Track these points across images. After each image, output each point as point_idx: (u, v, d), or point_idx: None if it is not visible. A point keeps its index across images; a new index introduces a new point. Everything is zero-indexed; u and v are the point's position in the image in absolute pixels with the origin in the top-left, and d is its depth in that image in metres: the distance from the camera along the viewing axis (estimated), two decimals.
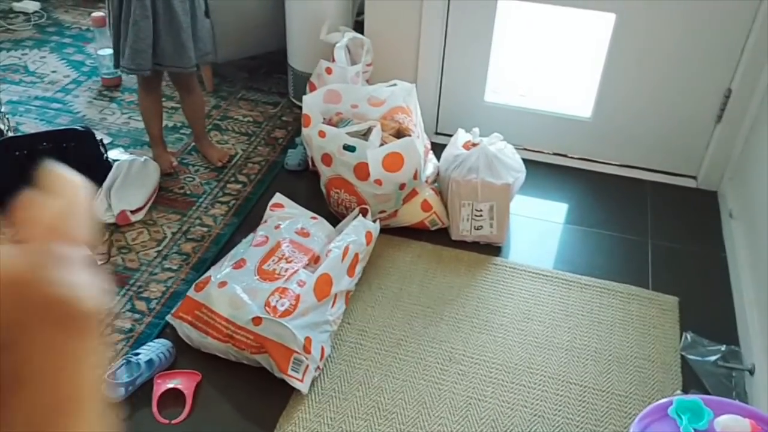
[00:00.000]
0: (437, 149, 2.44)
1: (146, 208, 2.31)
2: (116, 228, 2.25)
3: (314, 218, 2.05)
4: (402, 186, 2.11)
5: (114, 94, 2.97)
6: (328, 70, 2.33)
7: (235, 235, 2.23)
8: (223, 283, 1.78)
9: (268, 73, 3.14)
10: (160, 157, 2.47)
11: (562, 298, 2.07)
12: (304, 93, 2.79)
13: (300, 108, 2.91)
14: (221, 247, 2.19)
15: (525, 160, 2.33)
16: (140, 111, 2.47)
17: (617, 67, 2.43)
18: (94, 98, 2.94)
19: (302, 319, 1.73)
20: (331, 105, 2.23)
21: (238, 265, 1.85)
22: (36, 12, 3.56)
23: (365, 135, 2.15)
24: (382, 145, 2.11)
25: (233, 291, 1.75)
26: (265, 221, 2.04)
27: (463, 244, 2.24)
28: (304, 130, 2.19)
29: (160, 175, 2.42)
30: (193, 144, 2.64)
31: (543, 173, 2.57)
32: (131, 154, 2.56)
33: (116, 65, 2.26)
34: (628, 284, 2.12)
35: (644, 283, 2.14)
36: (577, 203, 2.48)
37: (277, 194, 2.12)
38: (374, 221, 2.05)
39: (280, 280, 1.78)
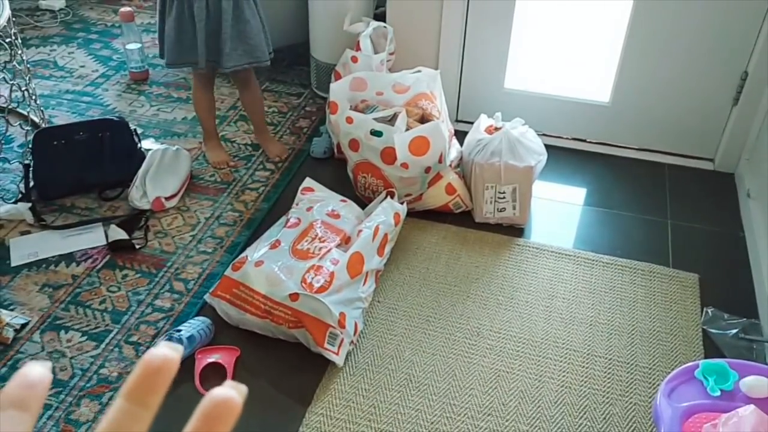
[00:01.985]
0: (458, 136, 2.50)
1: (180, 194, 2.39)
2: (152, 213, 2.33)
3: (343, 201, 2.12)
4: (428, 169, 2.18)
5: (142, 88, 3.05)
6: (354, 59, 2.40)
7: (266, 220, 2.31)
8: (259, 263, 1.86)
9: (290, 65, 3.21)
10: (214, 150, 2.55)
11: (585, 276, 2.13)
12: (328, 83, 2.87)
13: (323, 98, 2.99)
14: (253, 230, 2.27)
15: (545, 146, 2.39)
16: (193, 105, 2.55)
17: (635, 51, 2.49)
18: (123, 91, 3.02)
19: (336, 296, 1.80)
20: (357, 92, 2.30)
21: (274, 245, 1.92)
22: (62, 9, 3.65)
23: (391, 121, 2.22)
24: (407, 129, 2.17)
25: (270, 269, 1.83)
26: (297, 204, 2.11)
27: (486, 226, 2.31)
28: (331, 117, 2.26)
29: (191, 165, 2.51)
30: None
31: (563, 158, 2.63)
32: (163, 144, 2.64)
33: (163, 57, 2.32)
34: (649, 263, 2.18)
35: (665, 261, 2.20)
36: (597, 186, 2.54)
37: (308, 178, 2.20)
38: (401, 203, 2.12)
39: (315, 258, 1.85)
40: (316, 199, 2.09)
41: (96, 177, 2.39)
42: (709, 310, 2.00)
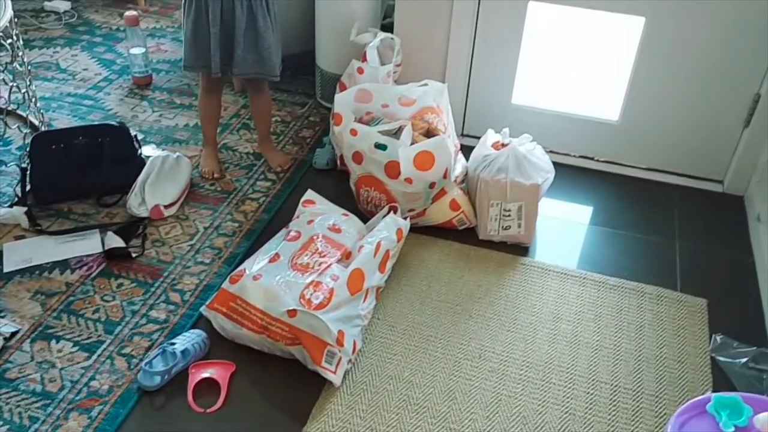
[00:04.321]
0: (464, 151, 2.46)
1: (179, 203, 2.35)
2: (150, 222, 2.28)
3: (345, 215, 2.08)
4: (432, 185, 2.13)
5: (145, 93, 3.01)
6: (360, 70, 2.36)
7: (266, 231, 2.26)
8: (258, 276, 1.81)
9: (294, 75, 3.17)
10: (207, 158, 2.52)
11: (591, 298, 2.08)
12: (332, 93, 2.83)
13: (327, 109, 2.95)
14: (252, 242, 2.22)
15: (552, 163, 2.34)
16: (199, 110, 2.52)
17: (646, 70, 2.44)
18: (125, 96, 2.99)
19: (335, 313, 1.75)
20: (362, 104, 2.26)
21: (273, 259, 1.87)
22: (67, 11, 3.62)
23: (396, 134, 2.18)
24: (413, 143, 2.13)
25: (268, 283, 1.78)
26: (297, 217, 2.07)
27: (490, 244, 2.26)
28: (335, 128, 2.22)
29: (191, 173, 2.46)
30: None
31: (569, 176, 2.59)
32: (164, 150, 2.60)
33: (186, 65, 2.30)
34: (657, 286, 2.13)
35: (672, 285, 2.15)
36: (604, 206, 2.49)
37: (309, 191, 2.15)
38: (404, 219, 2.08)
39: (314, 273, 1.80)
40: (317, 213, 2.04)
41: (94, 182, 2.35)
42: (718, 337, 1.95)
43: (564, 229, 2.38)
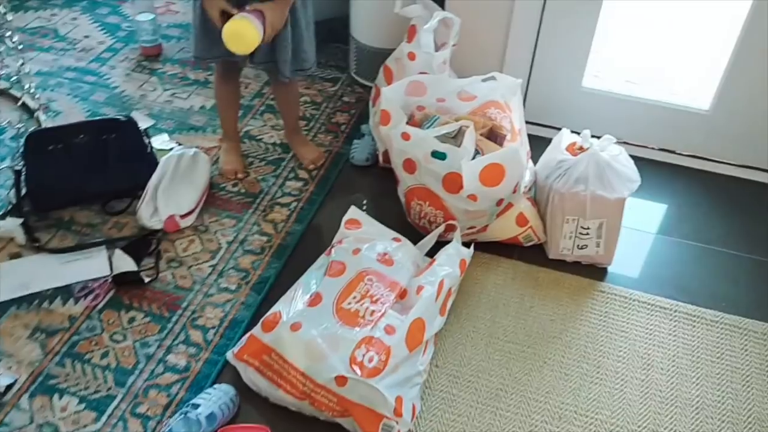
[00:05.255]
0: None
1: (197, 210, 2.02)
2: (164, 235, 1.96)
3: (397, 240, 1.74)
4: (499, 202, 1.79)
5: (154, 66, 2.64)
6: (411, 55, 1.98)
7: (299, 247, 1.94)
8: (296, 325, 1.50)
9: (324, 41, 2.77)
10: (227, 154, 2.18)
11: (686, 338, 1.76)
12: (369, 69, 2.46)
13: (363, 87, 2.58)
14: (284, 261, 1.90)
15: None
16: (216, 100, 2.17)
17: (748, 55, 2.04)
18: (132, 70, 2.62)
19: (393, 377, 1.45)
20: (413, 98, 1.90)
21: (313, 301, 1.56)
22: None
23: (455, 137, 1.82)
24: (476, 150, 1.78)
25: (311, 337, 1.47)
26: (340, 242, 1.74)
27: (562, 264, 1.93)
28: (382, 129, 1.86)
29: (210, 172, 2.13)
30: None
31: (649, 172, 2.21)
32: (177, 143, 2.25)
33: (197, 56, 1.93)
34: (762, 321, 1.81)
35: None
36: (690, 211, 2.14)
37: (353, 208, 1.81)
38: (468, 246, 1.74)
39: (367, 327, 1.49)
40: (363, 238, 1.71)
41: (99, 186, 2.02)
42: None
43: (645, 242, 2.04)
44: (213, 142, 2.29)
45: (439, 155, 1.75)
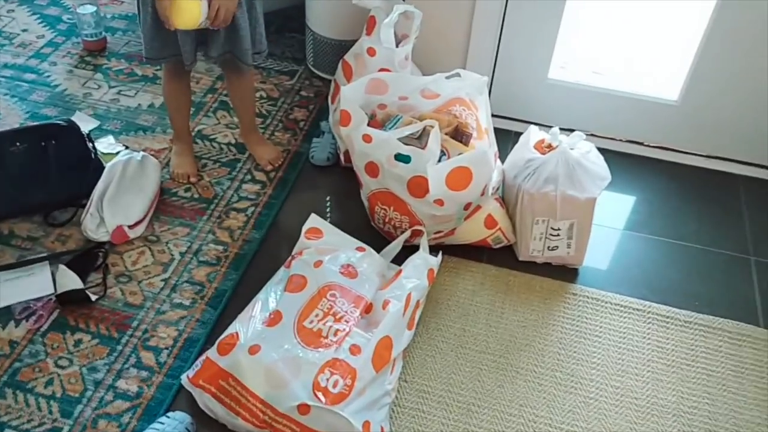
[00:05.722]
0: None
1: (147, 219, 1.90)
2: (112, 248, 1.84)
3: (361, 249, 1.65)
4: (467, 205, 1.71)
5: (99, 61, 2.48)
6: (371, 51, 1.87)
7: (258, 256, 1.84)
8: (255, 348, 1.40)
9: (279, 32, 2.65)
10: (179, 156, 2.05)
11: (660, 341, 1.71)
12: (328, 61, 2.35)
13: (322, 80, 2.46)
14: (242, 273, 1.80)
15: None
16: (165, 100, 2.04)
17: (716, 46, 1.99)
18: (75, 66, 2.45)
19: (359, 401, 1.36)
20: (373, 96, 1.79)
21: (273, 320, 1.46)
22: None
23: (420, 138, 1.73)
24: (442, 152, 1.69)
25: (271, 360, 1.37)
26: (300, 253, 1.64)
27: (532, 266, 1.87)
28: (342, 130, 1.76)
29: (161, 177, 2.00)
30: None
31: (616, 164, 2.13)
32: (124, 146, 2.12)
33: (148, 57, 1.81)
34: (735, 320, 1.77)
35: (753, 317, 1.78)
36: (660, 205, 2.09)
37: (313, 216, 1.71)
38: (436, 250, 1.66)
39: (330, 348, 1.40)
40: (325, 249, 1.62)
41: (40, 197, 1.88)
42: None
43: (615, 240, 1.99)
44: (163, 144, 2.16)
45: (402, 158, 1.66)
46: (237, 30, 1.75)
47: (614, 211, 2.07)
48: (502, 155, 2.02)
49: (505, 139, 2.19)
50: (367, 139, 1.68)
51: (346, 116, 1.73)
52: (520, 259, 1.87)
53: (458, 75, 1.75)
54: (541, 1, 2.03)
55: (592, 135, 2.24)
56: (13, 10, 2.71)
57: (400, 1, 1.99)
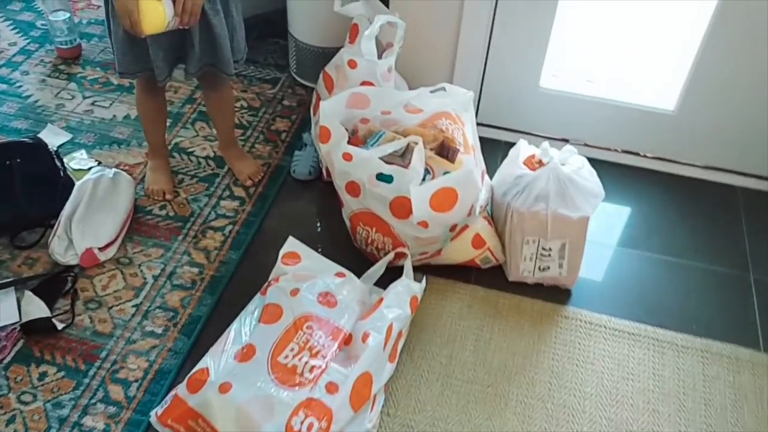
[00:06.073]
0: (482, 145, 1.91)
1: (119, 240, 1.81)
2: (81, 271, 1.75)
3: (341, 275, 1.56)
4: (453, 227, 1.62)
5: (73, 69, 2.39)
6: (352, 63, 1.78)
7: (235, 279, 1.76)
8: (226, 386, 1.32)
9: (261, 37, 2.56)
10: (154, 171, 1.96)
11: (656, 367, 1.63)
12: (310, 69, 2.27)
13: (305, 88, 2.37)
14: (218, 297, 1.71)
15: (588, 159, 1.84)
16: (139, 114, 1.94)
17: (714, 54, 1.90)
18: (48, 75, 2.36)
19: None
20: (355, 110, 1.71)
21: (245, 354, 1.37)
22: None
23: (403, 156, 1.64)
24: (427, 170, 1.60)
25: (242, 402, 1.29)
26: (277, 279, 1.55)
27: (523, 287, 1.78)
28: (322, 146, 1.67)
29: (135, 194, 1.91)
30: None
31: (610, 175, 2.07)
32: (97, 161, 2.02)
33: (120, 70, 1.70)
34: (735, 344, 1.69)
35: (753, 341, 1.70)
36: (656, 219, 2.00)
37: (291, 239, 1.62)
38: (421, 272, 1.57)
39: (305, 387, 1.31)
40: (303, 275, 1.53)
41: (5, 217, 1.79)
42: None
43: (609, 257, 1.90)
44: (138, 158, 2.07)
45: (385, 178, 1.57)
46: (215, 38, 1.66)
47: (608, 225, 1.98)
48: (492, 167, 1.93)
49: (495, 150, 2.10)
50: (347, 157, 1.60)
51: (326, 133, 1.64)
52: (510, 279, 1.79)
53: (443, 89, 1.66)
54: (531, 6, 1.94)
55: (585, 145, 2.16)
56: None
57: (383, 8, 1.90)
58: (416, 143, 1.60)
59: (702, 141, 2.09)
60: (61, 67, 2.40)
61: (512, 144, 1.86)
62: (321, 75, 1.95)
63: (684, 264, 1.89)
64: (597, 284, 1.83)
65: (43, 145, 1.81)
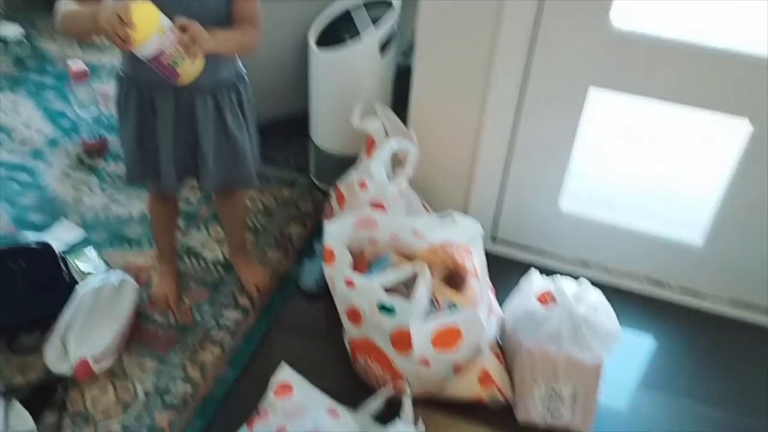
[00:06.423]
0: (495, 263, 1.82)
1: (116, 353, 1.75)
2: (73, 383, 1.70)
3: (333, 412, 1.48)
4: (457, 369, 1.54)
5: (96, 163, 2.41)
6: (362, 185, 1.75)
7: (227, 401, 1.68)
8: None
9: (285, 138, 2.56)
10: (160, 277, 1.94)
11: None
12: (329, 174, 2.24)
13: (322, 192, 2.35)
14: (208, 421, 1.63)
15: (608, 288, 1.74)
16: (150, 220, 1.94)
17: (747, 186, 1.82)
18: (71, 168, 2.38)
19: None
20: (364, 231, 1.66)
21: None
22: (18, 41, 2.99)
23: (407, 285, 1.58)
24: (432, 302, 1.53)
25: None
26: (266, 411, 1.47)
27: (533, 429, 1.66)
28: (325, 269, 1.62)
29: (137, 301, 1.87)
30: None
31: (631, 308, 1.98)
32: (105, 261, 2.00)
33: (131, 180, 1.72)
34: None
35: None
36: (680, 359, 1.88)
37: (285, 367, 1.54)
38: (417, 421, 1.48)
39: None
40: (292, 411, 1.44)
41: (4, 320, 1.77)
42: None
43: (628, 400, 1.77)
44: (148, 259, 2.04)
45: (387, 309, 1.51)
46: (237, 154, 1.65)
47: (629, 362, 1.86)
48: (507, 288, 1.85)
49: (513, 272, 2.00)
50: (349, 283, 1.54)
51: (330, 255, 1.59)
52: (518, 418, 1.67)
53: (451, 216, 1.61)
54: (552, 128, 1.90)
55: (605, 271, 2.07)
56: (17, 102, 2.68)
57: (401, 126, 1.88)
58: (421, 272, 1.54)
59: (730, 278, 1.97)
60: (86, 160, 2.42)
61: (529, 265, 1.78)
62: (332, 189, 1.92)
63: (709, 413, 1.75)
64: (615, 430, 1.70)
65: (50, 253, 1.80)
